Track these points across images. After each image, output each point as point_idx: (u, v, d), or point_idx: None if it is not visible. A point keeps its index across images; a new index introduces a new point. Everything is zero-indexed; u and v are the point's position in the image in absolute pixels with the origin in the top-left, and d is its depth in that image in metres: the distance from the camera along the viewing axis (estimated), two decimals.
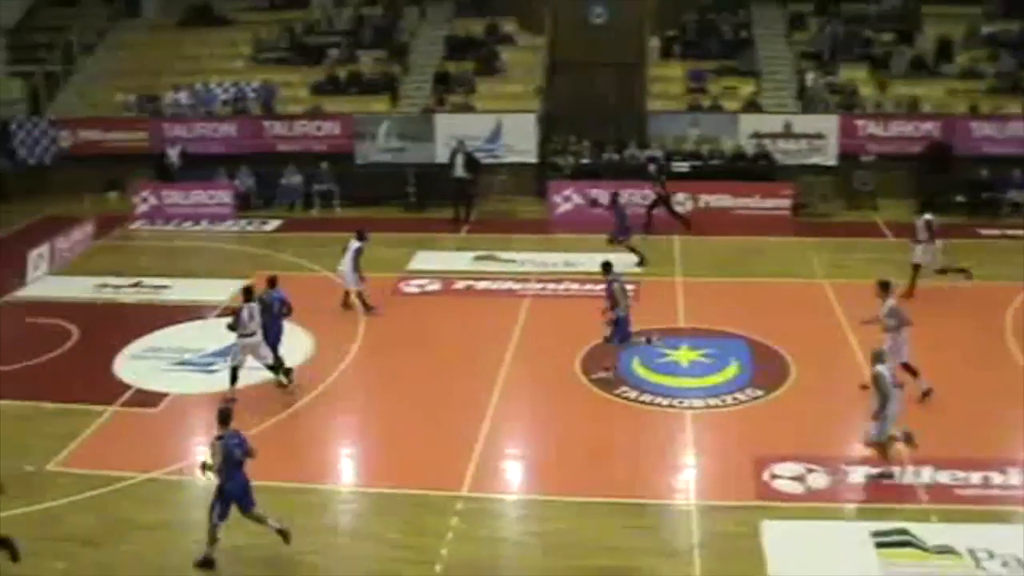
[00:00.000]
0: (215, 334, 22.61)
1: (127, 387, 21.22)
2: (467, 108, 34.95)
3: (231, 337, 20.55)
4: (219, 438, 15.10)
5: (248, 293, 20.69)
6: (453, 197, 32.38)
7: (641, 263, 27.00)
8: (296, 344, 22.77)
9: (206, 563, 15.08)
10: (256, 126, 35.66)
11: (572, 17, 38.31)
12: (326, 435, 19.40)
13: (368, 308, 24.60)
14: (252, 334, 20.29)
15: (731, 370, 20.92)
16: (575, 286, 25.94)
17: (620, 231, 27.23)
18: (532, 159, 34.08)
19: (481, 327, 23.45)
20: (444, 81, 36.01)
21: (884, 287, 19.27)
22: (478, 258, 28.34)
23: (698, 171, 32.60)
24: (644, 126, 34.41)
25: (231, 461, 15.03)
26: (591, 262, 26.72)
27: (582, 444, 18.31)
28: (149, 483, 17.57)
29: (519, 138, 33.88)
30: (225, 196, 33.70)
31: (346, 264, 24.41)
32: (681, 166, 32.64)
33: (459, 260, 27.69)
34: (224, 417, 15.28)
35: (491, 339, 22.78)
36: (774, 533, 15.22)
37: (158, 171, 35.27)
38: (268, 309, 20.67)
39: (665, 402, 19.59)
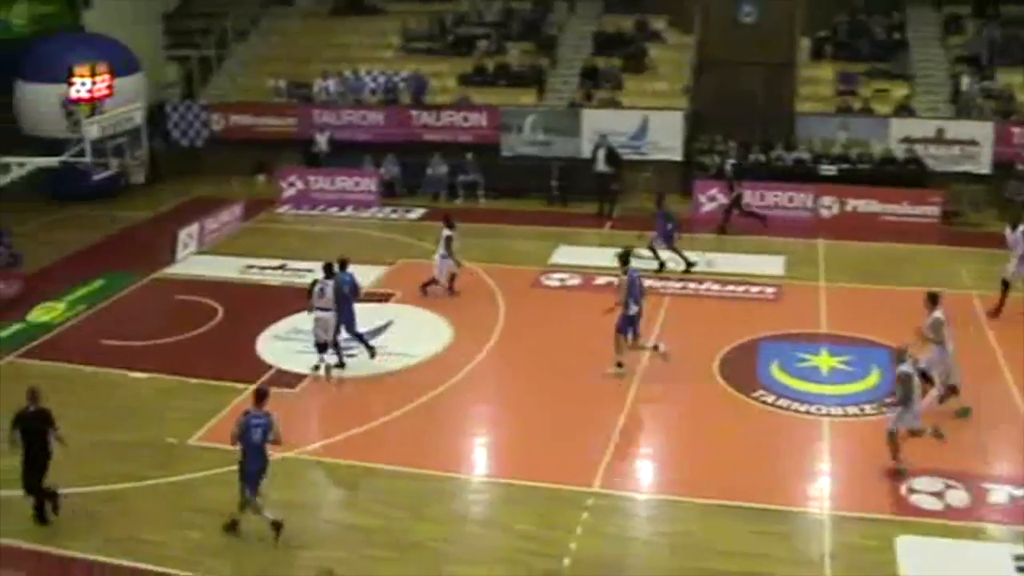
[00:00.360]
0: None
1: (268, 367, 21.69)
2: (613, 104, 34.85)
3: (371, 322, 20.87)
4: (245, 413, 15.69)
5: (328, 270, 21.27)
6: (596, 192, 32.36)
7: (661, 268, 26.82)
8: (435, 333, 23.05)
9: (231, 526, 15.89)
10: (404, 115, 36.01)
11: (722, 15, 37.94)
12: (460, 424, 19.55)
13: (452, 292, 25.32)
14: (324, 310, 20.94)
15: (872, 379, 20.51)
16: (716, 286, 25.70)
17: (663, 236, 26.97)
18: (677, 157, 33.86)
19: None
20: (591, 76, 35.95)
21: (932, 299, 18.94)
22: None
23: (846, 175, 31.99)
24: (792, 127, 33.93)
25: (249, 441, 15.50)
26: (733, 263, 26.67)
27: (716, 446, 18.17)
28: (283, 461, 17.86)
29: (665, 136, 33.68)
30: (371, 184, 34.09)
31: (440, 252, 25.10)
32: (829, 169, 32.09)
33: (601, 256, 27.63)
34: (259, 396, 15.85)
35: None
36: (909, 549, 14.93)
37: (306, 157, 35.88)
38: (340, 290, 21.21)
39: (802, 408, 19.32)
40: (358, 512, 16.60)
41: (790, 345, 21.94)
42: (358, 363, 21.62)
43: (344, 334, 21.40)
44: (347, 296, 21.36)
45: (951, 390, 18.88)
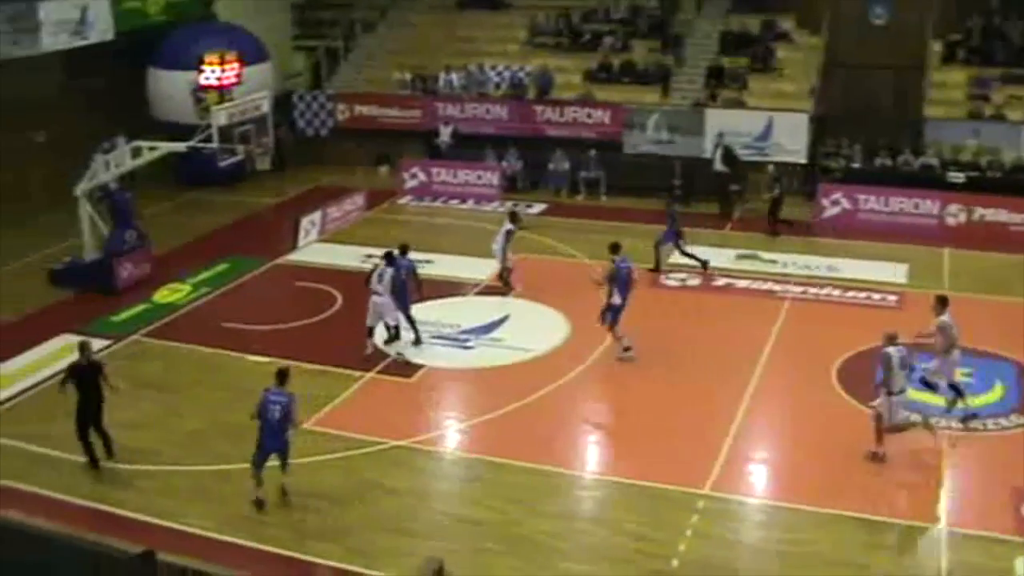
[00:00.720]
0: (472, 311, 23.11)
1: (385, 356, 21.88)
2: (738, 104, 34.52)
3: (488, 315, 20.97)
4: (266, 390, 16.21)
5: (389, 257, 21.83)
6: (716, 192, 32.13)
7: (656, 268, 26.75)
8: (552, 328, 23.08)
9: (258, 503, 16.37)
10: (527, 110, 36.07)
11: (852, 16, 37.27)
12: (574, 420, 19.54)
13: (507, 286, 25.52)
14: (379, 294, 21.52)
15: (996, 393, 20.03)
16: (837, 292, 25.30)
17: (669, 234, 27.04)
18: (802, 159, 33.39)
19: (738, 326, 23.14)
20: (717, 76, 35.65)
21: (941, 302, 19.06)
22: (740, 256, 27.97)
23: (974, 183, 31.23)
24: (920, 133, 33.27)
25: (267, 418, 16.00)
26: (856, 269, 26.24)
27: (832, 454, 17.90)
28: (397, 450, 18.11)
29: (790, 138, 33.25)
30: (493, 178, 34.21)
31: (497, 243, 25.35)
32: (957, 176, 31.36)
33: (721, 257, 27.40)
34: (280, 376, 16.39)
35: (747, 339, 22.49)
36: None
37: (429, 149, 36.12)
38: (398, 276, 21.74)
39: (921, 420, 18.90)
40: (470, 504, 16.70)
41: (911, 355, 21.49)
42: (474, 356, 21.77)
43: (391, 315, 21.99)
44: (402, 282, 21.94)
45: (956, 393, 19.03)
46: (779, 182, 30.36)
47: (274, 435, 16.13)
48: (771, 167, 31.07)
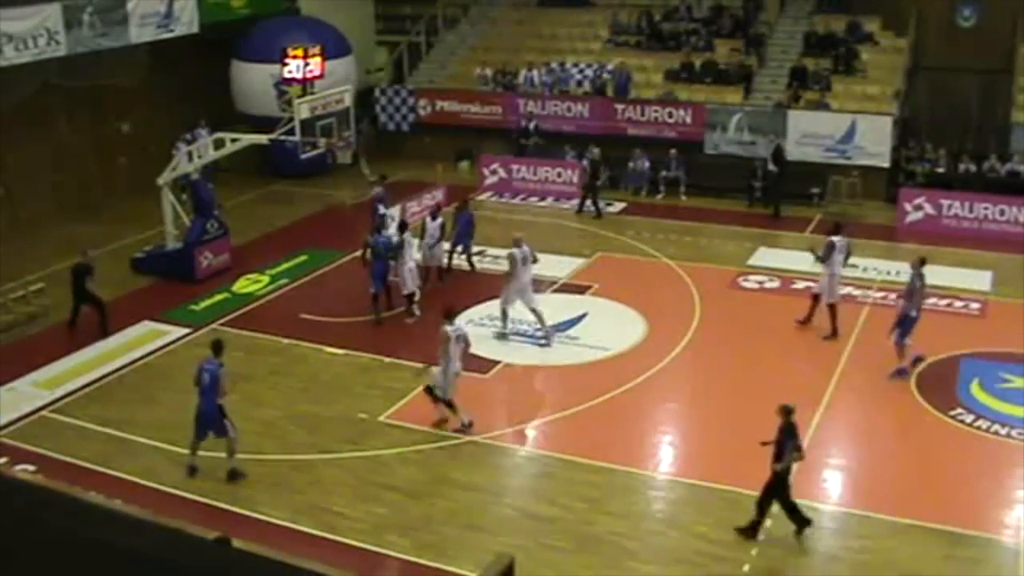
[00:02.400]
0: (549, 308, 23.06)
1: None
2: (821, 106, 34.17)
3: (565, 313, 20.99)
4: (206, 359, 17.28)
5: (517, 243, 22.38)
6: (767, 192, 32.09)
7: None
8: (630, 327, 23.02)
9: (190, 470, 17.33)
10: (608, 108, 35.96)
11: (938, 18, 36.72)
12: (648, 420, 19.50)
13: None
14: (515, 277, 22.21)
15: None
16: None
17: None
18: (884, 163, 32.95)
19: (816, 330, 22.91)
20: (800, 77, 35.32)
21: (836, 228, 23.20)
22: (815, 257, 27.64)
23: None
24: (1007, 138, 32.73)
25: (199, 384, 16.95)
26: (938, 275, 25.70)
27: (908, 463, 17.71)
28: (471, 445, 18.15)
29: (873, 141, 32.82)
30: (573, 175, 34.15)
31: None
32: None
33: (801, 260, 27.13)
34: (215, 348, 17.49)
35: (825, 344, 22.26)
36: None
37: (516, 147, 36.07)
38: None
39: (1003, 431, 18.57)
40: (541, 501, 16.70)
41: (993, 364, 21.15)
42: (550, 353, 21.81)
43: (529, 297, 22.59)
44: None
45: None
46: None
47: (205, 402, 16.93)
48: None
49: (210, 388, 16.90)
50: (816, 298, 22.90)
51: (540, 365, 21.56)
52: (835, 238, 22.73)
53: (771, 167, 32.03)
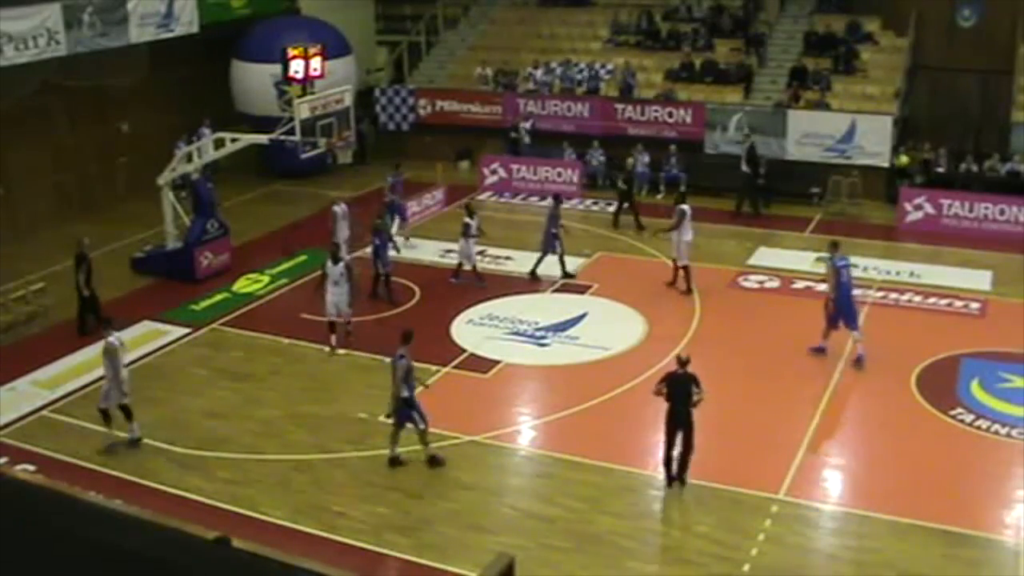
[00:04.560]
0: (549, 308, 23.07)
1: (462, 350, 21.98)
2: (821, 106, 34.16)
3: (565, 313, 20.95)
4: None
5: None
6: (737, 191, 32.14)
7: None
8: (630, 327, 23.02)
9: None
10: (608, 108, 35.93)
11: (938, 18, 36.66)
12: (648, 420, 19.39)
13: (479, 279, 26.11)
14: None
15: None
16: (918, 298, 24.92)
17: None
18: (884, 163, 32.95)
19: (816, 329, 22.86)
20: (800, 77, 35.31)
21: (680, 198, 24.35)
22: (820, 259, 27.65)
23: None
24: (1007, 138, 32.72)
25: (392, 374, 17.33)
26: (938, 275, 25.82)
27: (908, 463, 17.69)
28: (472, 445, 18.16)
29: (873, 141, 32.80)
30: (573, 175, 34.14)
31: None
32: None
33: (800, 259, 27.13)
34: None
35: (825, 343, 22.22)
36: None
37: (509, 143, 36.07)
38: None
39: (1003, 431, 18.58)
40: (541, 501, 16.71)
41: (993, 364, 21.14)
42: (550, 353, 21.79)
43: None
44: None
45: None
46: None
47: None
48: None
49: (403, 380, 17.23)
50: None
51: (540, 365, 21.55)
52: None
53: (744, 168, 31.89)
